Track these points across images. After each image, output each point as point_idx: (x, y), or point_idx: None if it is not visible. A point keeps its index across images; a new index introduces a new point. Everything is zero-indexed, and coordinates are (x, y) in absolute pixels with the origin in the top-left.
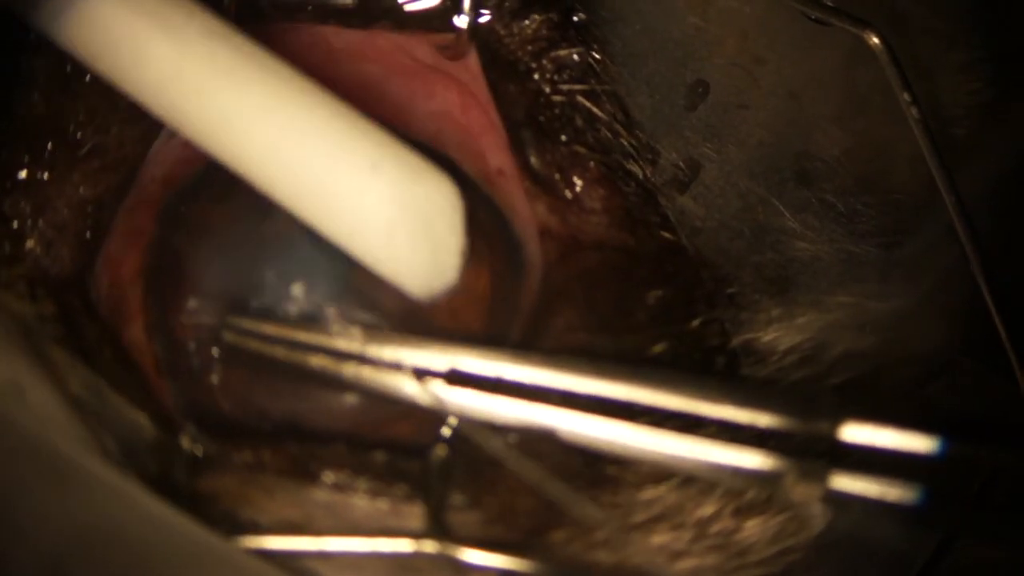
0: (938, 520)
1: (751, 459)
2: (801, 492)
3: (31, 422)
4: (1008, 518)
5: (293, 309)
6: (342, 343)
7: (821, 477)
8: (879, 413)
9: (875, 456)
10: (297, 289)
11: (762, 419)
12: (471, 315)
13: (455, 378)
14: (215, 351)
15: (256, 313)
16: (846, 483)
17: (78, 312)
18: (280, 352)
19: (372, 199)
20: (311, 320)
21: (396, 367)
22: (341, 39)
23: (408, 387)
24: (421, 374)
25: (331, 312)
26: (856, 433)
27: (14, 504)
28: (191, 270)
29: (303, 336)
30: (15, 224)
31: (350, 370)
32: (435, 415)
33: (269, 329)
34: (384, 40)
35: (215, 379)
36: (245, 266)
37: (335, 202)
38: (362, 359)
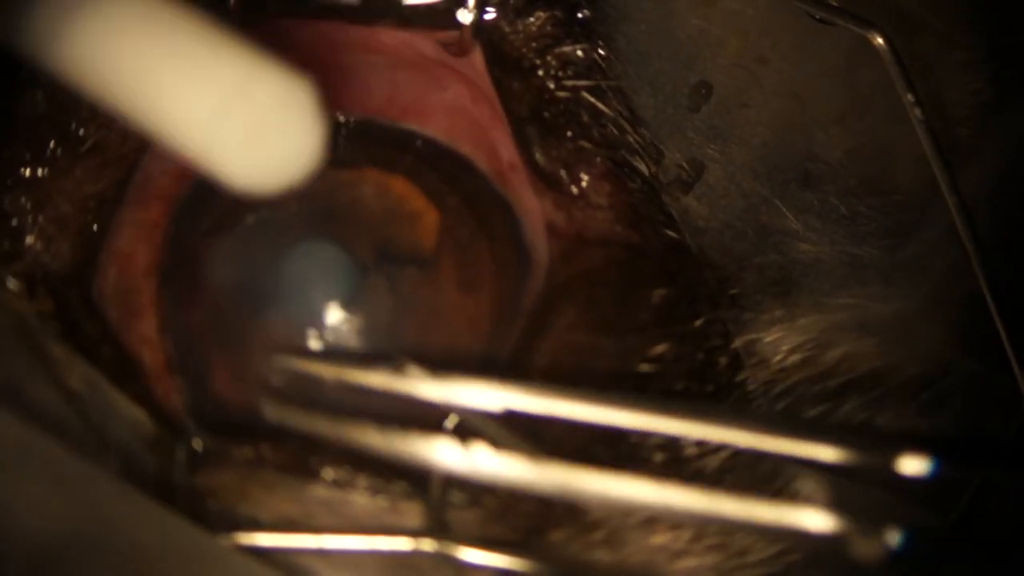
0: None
1: (815, 520)
2: (867, 549)
3: (26, 420)
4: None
5: (320, 319)
6: (394, 382)
7: (881, 529)
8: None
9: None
10: (320, 293)
11: (824, 453)
12: (477, 318)
13: (510, 418)
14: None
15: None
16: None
17: (77, 309)
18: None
19: (199, 94)
20: (351, 352)
21: (448, 408)
22: (344, 34)
23: (448, 454)
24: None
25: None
26: (913, 465)
27: (8, 503)
28: (210, 268)
29: (356, 376)
30: (15, 221)
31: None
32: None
33: (321, 369)
34: (388, 36)
35: (224, 375)
36: (267, 265)
37: (166, 105)
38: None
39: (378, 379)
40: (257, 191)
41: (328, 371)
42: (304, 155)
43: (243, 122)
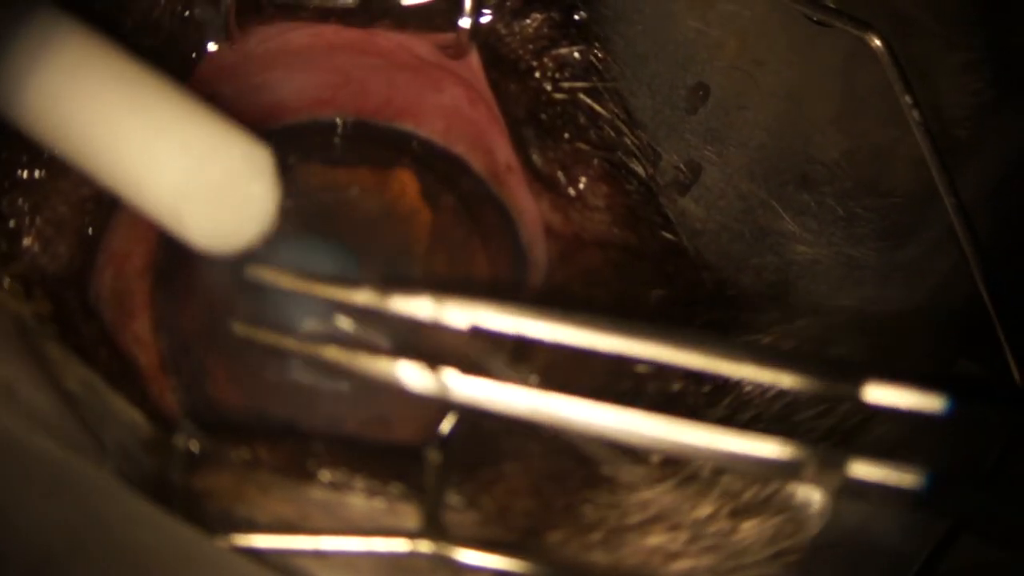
0: (945, 506)
1: (769, 448)
2: (822, 480)
3: (21, 423)
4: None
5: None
6: (359, 296)
7: (840, 464)
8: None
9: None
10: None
11: (785, 379)
12: None
13: (477, 334)
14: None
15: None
16: (864, 470)
17: (75, 311)
18: (292, 344)
19: (163, 168)
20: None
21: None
22: (341, 37)
23: (417, 378)
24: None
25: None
26: (880, 395)
27: (4, 506)
28: (202, 268)
29: (323, 290)
30: (12, 223)
31: (364, 361)
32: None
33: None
34: (385, 39)
35: (220, 376)
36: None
37: (133, 179)
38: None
39: (349, 296)
40: (218, 251)
41: (301, 286)
42: (262, 218)
43: (209, 188)
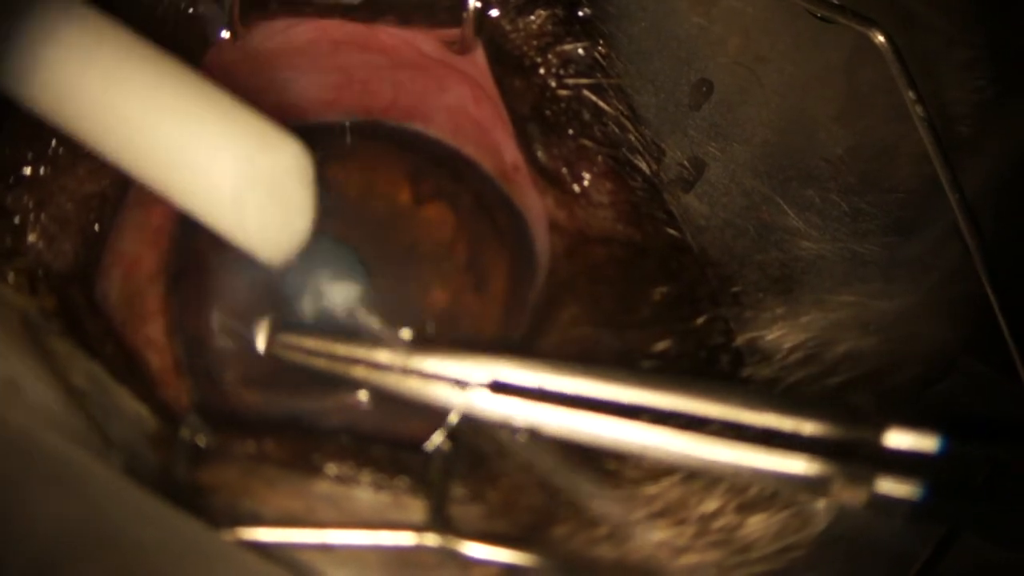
0: (943, 515)
1: (798, 464)
2: (849, 496)
3: (27, 419)
4: (1012, 513)
5: (326, 314)
6: (384, 356)
7: (868, 480)
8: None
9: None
10: (332, 294)
11: (806, 427)
12: (484, 314)
13: (497, 388)
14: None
15: (289, 323)
16: (890, 486)
17: (80, 306)
18: (322, 363)
19: (218, 173)
20: (351, 331)
21: (438, 378)
22: (344, 32)
23: (450, 396)
24: (463, 385)
25: (370, 320)
26: (899, 440)
27: (9, 502)
28: (218, 272)
29: (346, 350)
30: (17, 219)
31: (392, 380)
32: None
33: (313, 343)
34: (388, 36)
35: (235, 378)
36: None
37: (187, 177)
38: (405, 370)
39: (365, 352)
40: (269, 256)
41: (319, 344)
42: (308, 219)
43: (264, 187)
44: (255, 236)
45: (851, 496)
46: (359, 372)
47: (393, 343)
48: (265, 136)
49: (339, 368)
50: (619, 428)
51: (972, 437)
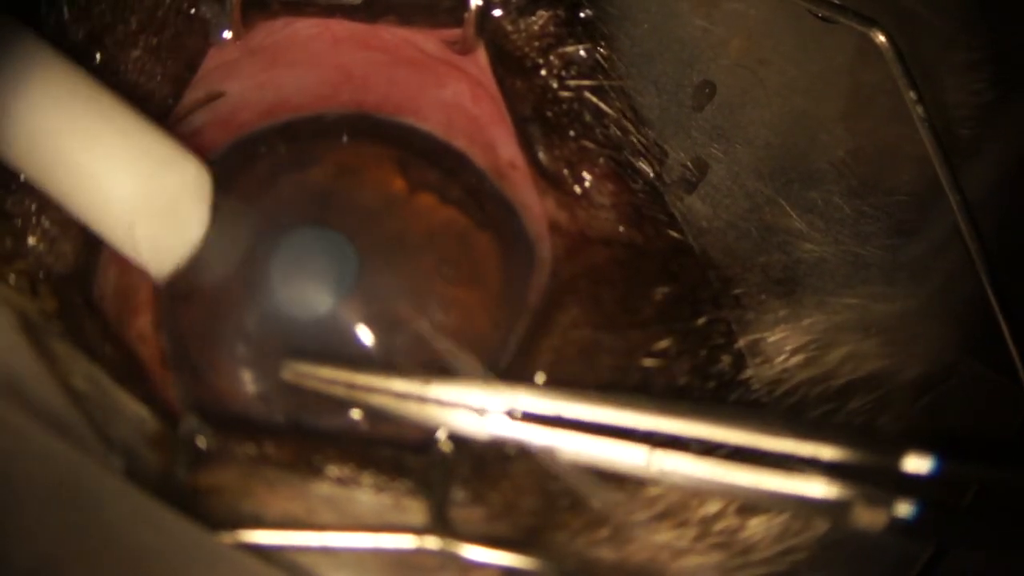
0: (933, 531)
1: (817, 488)
2: (869, 519)
3: (28, 422)
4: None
5: (319, 314)
6: (401, 384)
7: (887, 503)
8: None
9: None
10: (322, 290)
11: (824, 452)
12: (480, 313)
13: (515, 416)
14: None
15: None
16: (909, 509)
17: (80, 309)
18: (340, 391)
19: (116, 187)
20: (362, 358)
21: (456, 406)
22: (345, 29)
23: (469, 424)
24: (482, 412)
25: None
26: (917, 465)
27: (9, 504)
28: (208, 263)
29: (363, 379)
30: (18, 222)
31: (411, 409)
32: None
33: (329, 373)
34: (390, 34)
35: (225, 372)
36: (265, 261)
37: (86, 190)
38: (422, 399)
39: (382, 382)
40: (156, 270)
41: (335, 374)
42: (196, 235)
43: (156, 207)
44: (144, 247)
45: (871, 520)
46: (376, 400)
47: (409, 371)
48: (167, 156)
49: (357, 397)
50: (637, 454)
51: (965, 456)
